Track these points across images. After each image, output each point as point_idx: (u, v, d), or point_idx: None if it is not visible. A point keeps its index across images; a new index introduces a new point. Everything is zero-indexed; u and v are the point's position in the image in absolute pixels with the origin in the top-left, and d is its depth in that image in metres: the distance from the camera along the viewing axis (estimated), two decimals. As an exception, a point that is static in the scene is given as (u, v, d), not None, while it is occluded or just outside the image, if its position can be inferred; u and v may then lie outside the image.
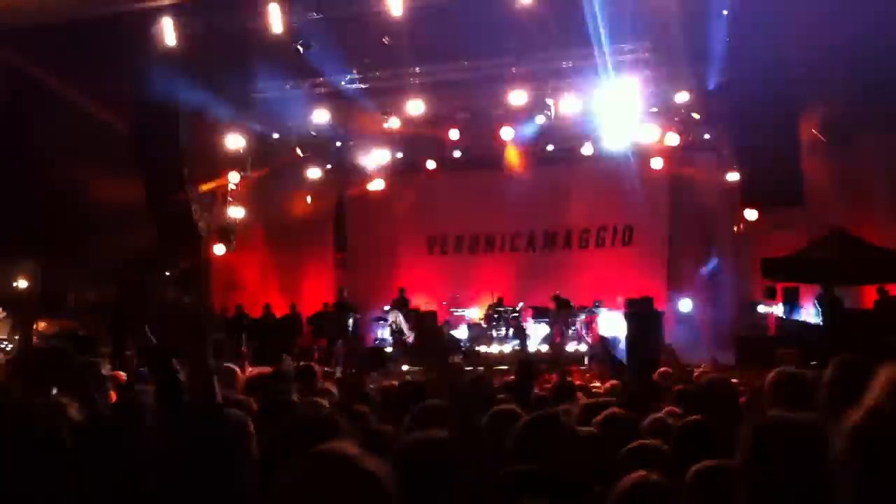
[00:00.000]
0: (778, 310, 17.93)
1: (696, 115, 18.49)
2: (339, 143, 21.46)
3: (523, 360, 7.46)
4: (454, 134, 20.13)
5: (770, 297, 17.69)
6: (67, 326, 19.10)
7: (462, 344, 19.40)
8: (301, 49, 16.50)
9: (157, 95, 17.89)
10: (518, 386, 6.89)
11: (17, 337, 19.13)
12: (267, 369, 8.62)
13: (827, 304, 16.08)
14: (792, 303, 17.72)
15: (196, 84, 18.14)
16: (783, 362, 13.70)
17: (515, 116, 19.44)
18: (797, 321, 17.20)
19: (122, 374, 7.19)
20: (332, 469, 1.90)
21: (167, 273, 20.69)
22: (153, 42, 16.43)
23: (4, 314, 18.96)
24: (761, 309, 18.05)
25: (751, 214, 17.46)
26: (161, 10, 16.13)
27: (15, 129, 18.37)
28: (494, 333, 19.75)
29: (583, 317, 19.51)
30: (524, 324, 19.85)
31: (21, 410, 1.67)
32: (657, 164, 19.97)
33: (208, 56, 17.31)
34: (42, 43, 16.47)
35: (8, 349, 18.80)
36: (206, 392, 2.96)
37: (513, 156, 21.12)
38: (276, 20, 15.92)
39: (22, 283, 20.39)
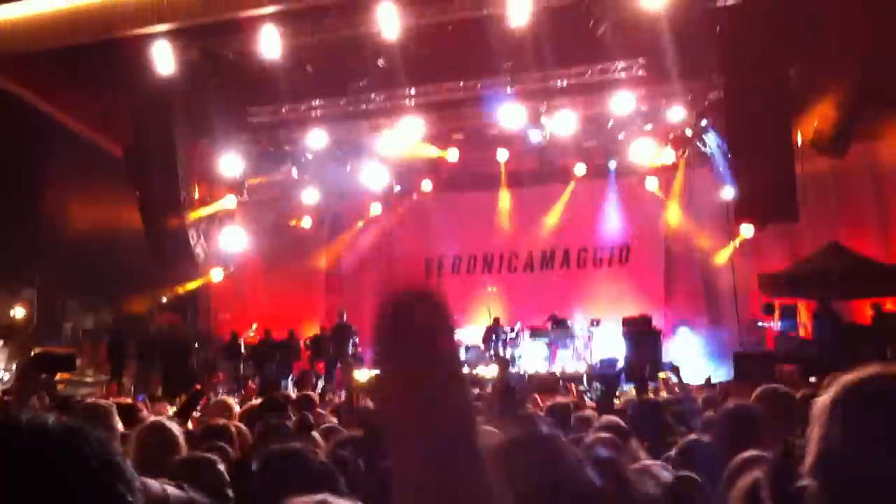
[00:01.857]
0: (776, 325, 17.90)
1: (690, 132, 18.59)
2: (335, 166, 21.54)
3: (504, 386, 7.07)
4: (454, 154, 20.32)
5: (768, 312, 17.69)
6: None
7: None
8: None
9: (153, 119, 17.98)
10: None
11: (13, 366, 19.08)
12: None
13: (824, 320, 16.08)
14: (789, 318, 17.70)
15: (193, 108, 18.25)
16: (782, 379, 13.75)
17: (511, 136, 19.57)
18: (795, 337, 17.18)
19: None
20: None
21: (164, 298, 20.70)
22: (150, 67, 16.50)
23: (1, 343, 18.92)
24: (760, 324, 18.02)
25: (746, 230, 17.51)
26: (157, 36, 16.20)
27: (12, 157, 18.42)
28: (491, 355, 19.65)
29: (581, 337, 19.44)
30: (516, 343, 19.63)
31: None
32: (652, 181, 20.12)
33: (205, 80, 17.41)
34: (38, 68, 16.56)
35: (4, 379, 18.74)
36: None
37: (508, 176, 21.24)
38: (272, 44, 16.02)
39: (19, 312, 20.37)
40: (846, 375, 1.81)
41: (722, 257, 19.25)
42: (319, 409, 8.02)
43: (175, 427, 4.17)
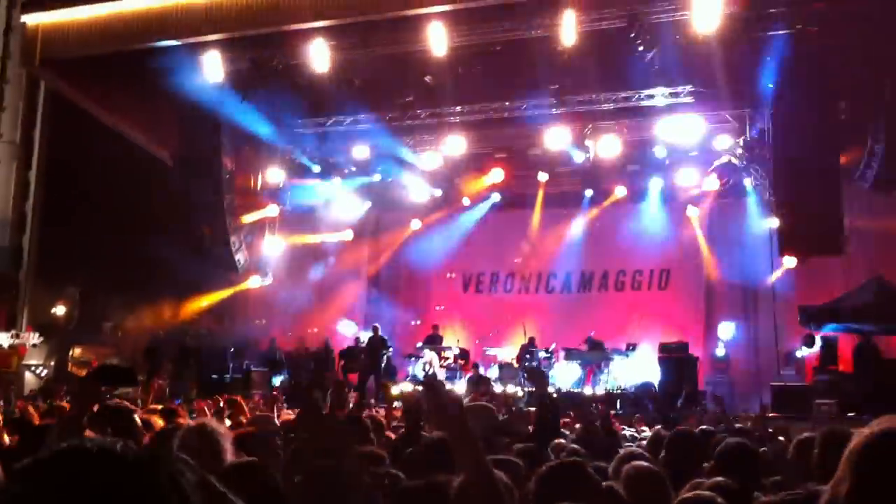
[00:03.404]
0: (815, 358, 17.64)
1: (735, 160, 18.43)
2: (378, 179, 21.65)
3: (544, 404, 6.79)
4: (498, 174, 20.43)
5: (808, 345, 17.44)
6: (103, 354, 19.31)
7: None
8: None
9: (201, 127, 18.20)
10: (539, 433, 6.28)
11: (51, 363, 19.33)
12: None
13: (865, 355, 15.84)
14: (830, 352, 17.44)
15: (241, 117, 18.45)
16: (820, 413, 13.55)
17: (553, 157, 19.57)
18: (834, 371, 16.92)
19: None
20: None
21: (203, 303, 20.87)
22: (200, 74, 16.70)
23: (41, 339, 19.11)
24: (799, 354, 17.77)
25: (790, 262, 17.31)
26: (208, 45, 16.41)
27: (62, 158, 18.72)
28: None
29: (616, 360, 19.30)
30: (555, 363, 19.55)
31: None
32: (696, 208, 19.98)
33: (254, 90, 17.58)
34: (90, 71, 16.83)
35: (42, 374, 19.00)
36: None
37: (549, 196, 21.22)
38: (321, 57, 16.15)
39: (60, 310, 20.63)
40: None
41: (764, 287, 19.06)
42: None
43: (221, 429, 4.09)
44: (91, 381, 3.91)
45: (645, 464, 4.53)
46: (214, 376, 19.16)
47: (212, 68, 16.71)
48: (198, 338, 20.19)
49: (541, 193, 21.34)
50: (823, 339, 17.38)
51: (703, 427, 8.28)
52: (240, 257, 20.67)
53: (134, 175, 18.33)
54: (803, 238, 16.07)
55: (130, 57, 16.07)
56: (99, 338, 20.39)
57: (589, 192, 20.90)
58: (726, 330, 19.56)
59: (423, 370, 19.60)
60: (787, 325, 18.23)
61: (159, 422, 6.66)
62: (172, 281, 19.51)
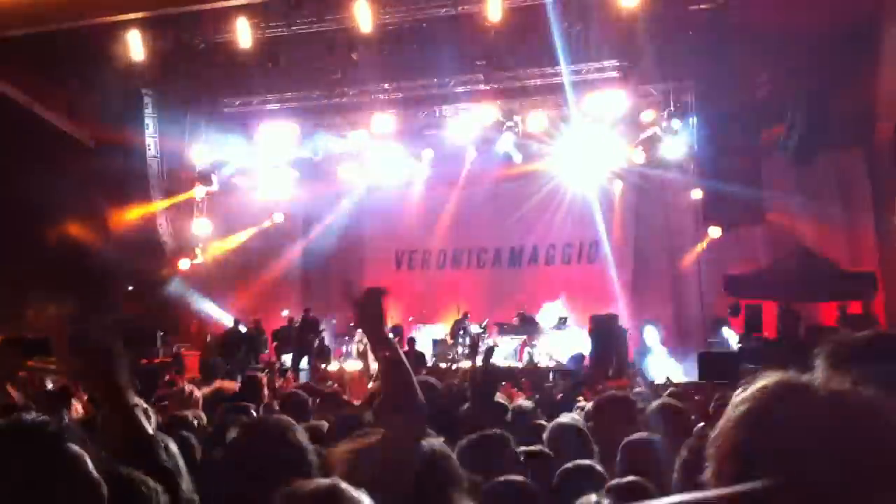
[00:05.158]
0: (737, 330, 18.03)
1: (660, 133, 18.67)
2: (308, 158, 21.43)
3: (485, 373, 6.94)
4: (427, 153, 20.40)
5: (734, 314, 17.86)
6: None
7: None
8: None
9: (123, 108, 17.81)
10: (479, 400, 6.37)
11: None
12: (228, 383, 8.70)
13: (787, 321, 16.29)
14: (755, 319, 17.88)
15: (164, 96, 18.10)
16: (745, 378, 13.91)
17: (483, 132, 19.59)
18: (759, 338, 17.35)
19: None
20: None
21: (129, 287, 20.51)
22: (120, 55, 16.33)
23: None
24: (725, 331, 18.13)
25: (714, 232, 17.69)
26: (129, 24, 16.03)
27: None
28: (460, 350, 19.65)
29: (548, 333, 19.50)
30: (489, 339, 19.72)
31: None
32: (622, 180, 20.23)
33: (176, 69, 17.27)
34: (7, 54, 16.32)
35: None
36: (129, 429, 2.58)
37: (478, 172, 21.23)
38: (244, 35, 15.90)
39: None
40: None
41: (690, 257, 19.44)
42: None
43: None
44: (2, 352, 3.92)
45: (567, 420, 4.63)
46: (144, 361, 18.92)
47: (133, 47, 16.35)
48: (126, 322, 19.88)
49: (467, 168, 21.31)
50: (748, 307, 17.84)
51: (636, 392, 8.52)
52: (167, 240, 20.37)
53: (54, 158, 17.86)
54: (726, 208, 16.46)
55: (49, 37, 15.62)
56: (22, 324, 19.93)
57: (517, 167, 20.92)
58: (654, 300, 19.92)
59: (357, 352, 19.51)
60: (714, 294, 18.62)
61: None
62: (98, 265, 19.15)
